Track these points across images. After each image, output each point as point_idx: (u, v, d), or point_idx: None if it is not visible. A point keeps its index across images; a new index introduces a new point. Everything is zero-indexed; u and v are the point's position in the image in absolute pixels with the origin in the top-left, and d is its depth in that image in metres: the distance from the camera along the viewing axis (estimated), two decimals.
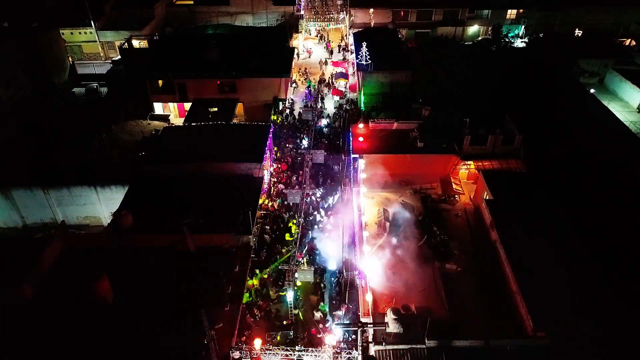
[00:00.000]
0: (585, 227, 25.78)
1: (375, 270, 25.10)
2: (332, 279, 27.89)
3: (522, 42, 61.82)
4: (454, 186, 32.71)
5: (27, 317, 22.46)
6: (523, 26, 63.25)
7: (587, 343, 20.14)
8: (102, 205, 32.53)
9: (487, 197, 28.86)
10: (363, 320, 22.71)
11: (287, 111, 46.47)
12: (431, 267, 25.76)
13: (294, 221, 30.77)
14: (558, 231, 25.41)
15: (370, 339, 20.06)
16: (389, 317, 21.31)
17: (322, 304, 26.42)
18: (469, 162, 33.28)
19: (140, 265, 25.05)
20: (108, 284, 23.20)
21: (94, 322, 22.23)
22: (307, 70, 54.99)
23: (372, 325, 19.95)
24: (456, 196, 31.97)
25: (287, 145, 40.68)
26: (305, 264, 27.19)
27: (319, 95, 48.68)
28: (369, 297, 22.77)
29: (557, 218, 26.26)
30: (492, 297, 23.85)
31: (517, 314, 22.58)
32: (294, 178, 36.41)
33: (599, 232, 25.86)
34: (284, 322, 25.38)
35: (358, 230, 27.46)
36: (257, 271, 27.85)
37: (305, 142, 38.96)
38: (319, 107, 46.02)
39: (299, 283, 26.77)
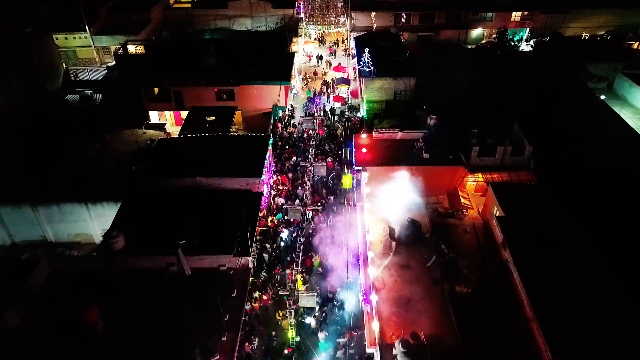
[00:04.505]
0: (603, 244, 24.44)
1: (381, 294, 23.69)
2: (335, 302, 26.41)
3: (527, 45, 60.46)
4: (462, 200, 31.31)
5: (12, 348, 21.08)
6: (528, 29, 61.85)
7: None
8: (94, 222, 31.13)
9: (498, 213, 27.49)
10: (369, 350, 21.43)
11: (286, 119, 45.13)
12: (440, 290, 24.37)
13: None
14: (575, 250, 24.03)
15: None
16: (398, 349, 19.92)
17: (322, 342, 24.83)
18: (476, 174, 31.95)
19: (132, 290, 23.66)
20: (97, 313, 21.84)
21: (82, 353, 20.87)
22: (307, 76, 53.68)
23: None
24: (464, 210, 30.60)
25: (287, 152, 39.36)
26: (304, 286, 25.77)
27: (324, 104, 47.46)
28: (375, 326, 21.37)
29: (574, 236, 24.89)
30: (506, 322, 22.48)
31: (533, 342, 21.20)
32: (296, 188, 35.06)
33: (617, 249, 24.50)
34: (285, 351, 23.97)
35: (363, 250, 26.06)
36: (256, 294, 26.43)
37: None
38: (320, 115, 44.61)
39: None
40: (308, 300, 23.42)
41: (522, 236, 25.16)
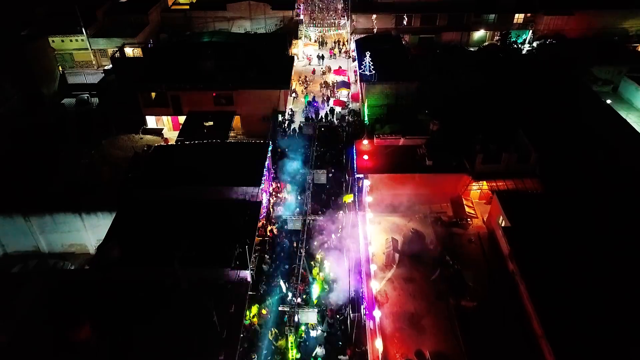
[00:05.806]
0: (613, 255, 23.63)
1: (384, 308, 22.88)
2: (337, 316, 25.51)
3: (529, 47, 59.58)
4: (467, 208, 30.51)
5: None
6: (530, 31, 60.97)
7: None
8: (88, 232, 30.28)
9: (504, 224, 26.70)
10: None
11: (286, 123, 44.30)
12: (445, 304, 23.56)
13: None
14: (585, 262, 23.20)
15: None
16: None
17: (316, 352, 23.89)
18: (481, 182, 31.15)
19: (127, 304, 22.84)
20: (91, 327, 21.03)
21: None
22: (307, 79, 52.82)
23: None
24: (468, 219, 29.80)
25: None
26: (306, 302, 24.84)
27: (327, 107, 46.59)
28: (379, 343, 20.56)
29: (583, 247, 24.07)
30: (514, 338, 21.66)
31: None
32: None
33: (629, 259, 23.65)
34: None
35: (365, 263, 25.23)
36: (255, 308, 25.55)
37: None
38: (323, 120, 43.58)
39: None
40: (309, 316, 22.58)
41: (529, 247, 24.41)
